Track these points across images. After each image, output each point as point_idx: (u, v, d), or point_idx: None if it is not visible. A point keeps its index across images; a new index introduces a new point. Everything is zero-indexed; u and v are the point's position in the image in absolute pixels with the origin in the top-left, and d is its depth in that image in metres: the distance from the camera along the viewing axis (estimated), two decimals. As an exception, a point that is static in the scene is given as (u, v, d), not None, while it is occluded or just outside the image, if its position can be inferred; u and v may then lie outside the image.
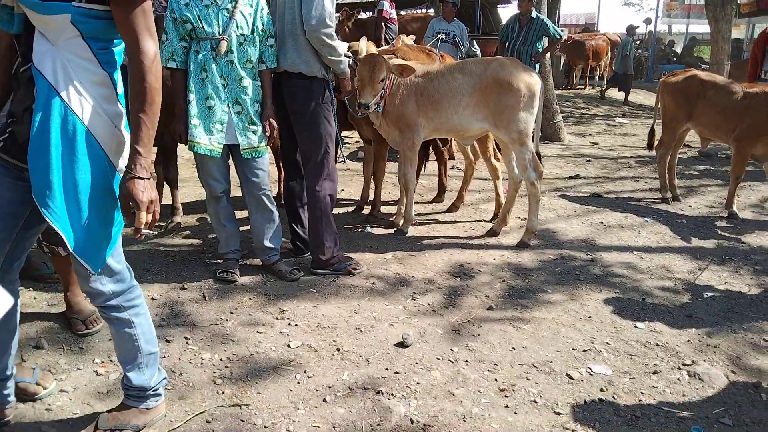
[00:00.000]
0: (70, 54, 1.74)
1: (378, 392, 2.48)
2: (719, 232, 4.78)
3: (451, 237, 4.50)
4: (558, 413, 2.38)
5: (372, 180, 4.99)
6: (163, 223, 4.48)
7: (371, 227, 4.65)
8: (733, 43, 13.27)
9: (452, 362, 2.74)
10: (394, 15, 8.21)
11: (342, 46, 3.60)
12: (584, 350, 2.87)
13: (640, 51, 22.40)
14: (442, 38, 7.42)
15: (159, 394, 2.24)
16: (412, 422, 2.31)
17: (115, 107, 1.86)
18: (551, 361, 2.76)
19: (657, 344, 2.95)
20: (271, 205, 3.57)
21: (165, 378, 2.28)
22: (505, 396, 2.49)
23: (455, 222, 4.91)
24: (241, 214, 4.03)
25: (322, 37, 3.33)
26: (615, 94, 14.80)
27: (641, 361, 2.79)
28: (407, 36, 6.18)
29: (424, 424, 2.30)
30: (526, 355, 2.81)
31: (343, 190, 5.76)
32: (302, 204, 3.85)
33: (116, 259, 1.98)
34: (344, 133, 4.83)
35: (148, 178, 1.78)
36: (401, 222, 4.57)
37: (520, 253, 4.17)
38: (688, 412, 2.41)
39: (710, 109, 5.16)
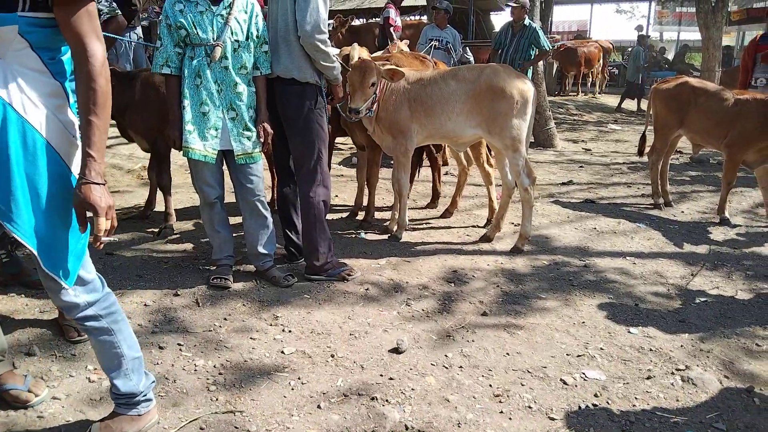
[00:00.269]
0: (21, 66, 1.70)
1: (372, 398, 2.47)
2: (711, 238, 4.80)
3: (445, 243, 4.50)
4: (552, 419, 2.38)
5: (366, 186, 4.99)
6: (156, 229, 4.47)
7: (365, 233, 4.65)
8: (724, 51, 13.43)
9: (447, 368, 2.74)
10: (399, 23, 8.22)
11: (335, 53, 3.62)
12: (578, 356, 2.88)
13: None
14: (434, 45, 7.46)
15: (149, 399, 2.22)
16: (407, 428, 2.30)
17: (69, 117, 1.83)
18: (545, 367, 2.76)
19: (650, 349, 2.96)
20: (265, 211, 3.56)
21: (153, 381, 2.26)
22: (500, 402, 2.49)
23: (449, 228, 4.92)
24: (234, 220, 4.02)
25: (316, 43, 3.33)
26: (609, 101, 14.90)
27: (635, 366, 2.80)
28: (401, 42, 6.22)
29: (419, 430, 2.29)
30: (521, 361, 2.81)
31: (336, 196, 5.76)
32: (296, 210, 3.85)
33: (87, 269, 1.95)
34: (338, 140, 4.83)
35: (104, 184, 1.75)
36: (395, 228, 4.57)
37: (514, 258, 4.18)
38: (682, 417, 2.42)
39: (702, 115, 5.20)
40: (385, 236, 4.57)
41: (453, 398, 2.50)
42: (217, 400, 2.44)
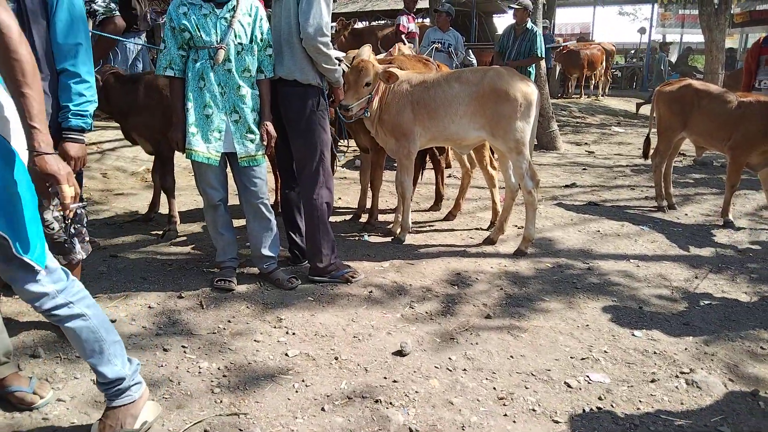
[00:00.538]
0: None
1: (376, 401, 2.47)
2: (715, 241, 4.80)
3: (448, 245, 4.50)
4: (556, 422, 2.38)
5: (369, 188, 4.99)
6: (160, 232, 4.48)
7: (368, 236, 4.65)
8: (727, 53, 13.39)
9: (450, 371, 2.74)
10: (413, 29, 8.20)
11: (336, 56, 3.63)
12: (582, 358, 2.87)
13: (634, 60, 22.57)
14: (436, 47, 7.47)
15: (139, 382, 2.18)
16: (411, 431, 2.30)
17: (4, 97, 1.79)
18: (549, 370, 2.76)
19: (654, 352, 2.95)
20: (269, 213, 3.57)
21: (138, 363, 2.22)
22: (504, 404, 2.49)
23: (452, 230, 4.92)
24: (238, 223, 4.03)
25: (318, 45, 3.34)
26: (612, 103, 14.89)
27: (639, 369, 2.80)
28: (404, 45, 6.23)
29: (422, 433, 2.29)
30: (524, 364, 2.81)
31: (340, 198, 5.77)
32: (299, 212, 3.85)
33: (50, 258, 1.94)
34: (341, 142, 4.84)
35: (55, 153, 1.72)
36: (398, 230, 4.57)
37: (517, 261, 4.18)
38: (686, 421, 2.41)
39: (705, 118, 5.19)
40: (389, 239, 4.57)
41: (457, 401, 2.50)
42: (221, 402, 2.44)
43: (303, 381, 2.61)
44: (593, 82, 16.16)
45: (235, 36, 3.26)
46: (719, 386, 2.67)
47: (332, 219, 3.81)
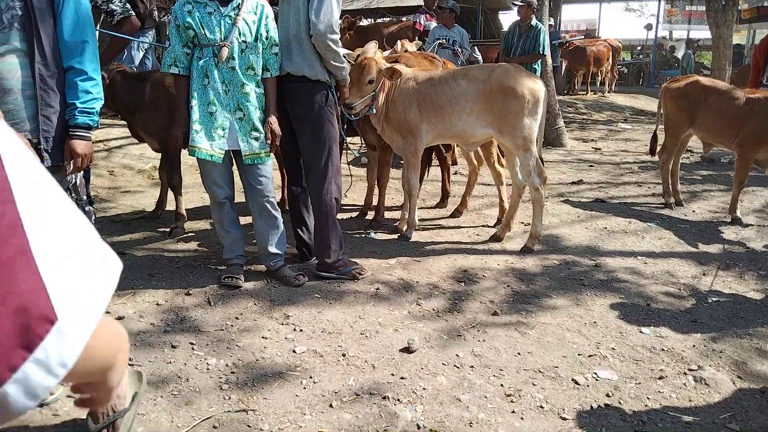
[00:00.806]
0: None
1: (384, 397, 2.48)
2: (723, 237, 4.78)
3: (454, 242, 4.50)
4: (564, 419, 2.38)
5: (376, 186, 5.00)
6: (168, 229, 4.50)
7: (375, 233, 4.66)
8: (735, 49, 13.34)
9: (458, 367, 2.74)
10: (430, 27, 8.15)
11: (344, 53, 3.63)
12: (590, 355, 2.87)
13: (641, 57, 22.48)
14: (441, 44, 7.45)
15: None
16: (419, 427, 2.31)
17: None
18: (557, 367, 2.76)
19: (662, 349, 2.94)
20: (275, 211, 3.57)
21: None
22: (511, 401, 2.49)
23: (459, 227, 4.92)
24: (245, 220, 4.04)
25: (328, 42, 3.35)
26: (618, 99, 14.83)
27: (647, 366, 2.79)
28: (409, 42, 6.21)
29: (430, 430, 2.30)
30: (532, 361, 2.81)
31: (346, 195, 5.77)
32: (307, 209, 3.85)
33: None
34: (348, 139, 4.83)
35: None
36: (405, 227, 4.57)
37: (524, 258, 4.17)
38: (695, 418, 2.41)
39: (712, 114, 5.17)
40: (395, 236, 4.57)
41: (464, 398, 2.50)
42: (229, 398, 2.45)
43: (311, 378, 2.62)
44: (599, 78, 16.11)
45: (240, 34, 3.26)
46: (727, 383, 2.66)
47: (339, 216, 3.81)
